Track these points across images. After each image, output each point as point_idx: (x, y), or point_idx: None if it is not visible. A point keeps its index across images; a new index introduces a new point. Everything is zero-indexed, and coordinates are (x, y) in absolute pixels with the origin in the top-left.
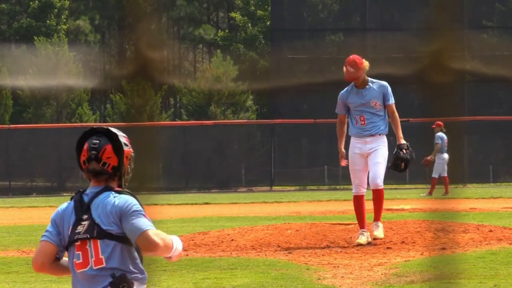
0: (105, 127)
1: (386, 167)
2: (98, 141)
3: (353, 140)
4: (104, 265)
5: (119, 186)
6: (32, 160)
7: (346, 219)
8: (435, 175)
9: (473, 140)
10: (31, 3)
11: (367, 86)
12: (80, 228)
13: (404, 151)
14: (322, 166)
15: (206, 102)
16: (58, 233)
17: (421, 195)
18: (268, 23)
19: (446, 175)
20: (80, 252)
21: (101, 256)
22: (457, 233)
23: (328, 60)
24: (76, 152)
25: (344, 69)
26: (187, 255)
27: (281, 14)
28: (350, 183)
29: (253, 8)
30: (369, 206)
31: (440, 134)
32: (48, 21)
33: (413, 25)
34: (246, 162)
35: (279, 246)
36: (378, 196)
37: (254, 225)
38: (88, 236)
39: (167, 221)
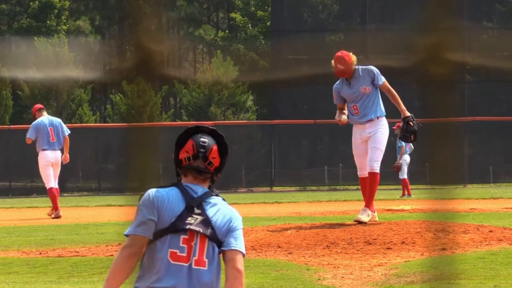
0: (211, 127)
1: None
2: (206, 140)
3: (353, 128)
4: (205, 268)
5: (209, 186)
6: (32, 161)
7: (347, 219)
8: (402, 176)
9: (473, 140)
10: (31, 3)
11: (354, 76)
12: (191, 220)
13: (410, 123)
14: (322, 166)
15: (206, 103)
16: (154, 221)
17: (397, 197)
18: (268, 23)
19: (406, 177)
20: (185, 246)
21: (205, 259)
22: (457, 233)
23: (328, 61)
24: (175, 147)
25: (333, 64)
26: None
27: (281, 14)
28: (350, 184)
29: (253, 8)
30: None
31: None
32: (48, 21)
33: (413, 25)
34: (246, 163)
35: (279, 247)
36: (371, 179)
37: (254, 226)
38: (201, 231)
39: None
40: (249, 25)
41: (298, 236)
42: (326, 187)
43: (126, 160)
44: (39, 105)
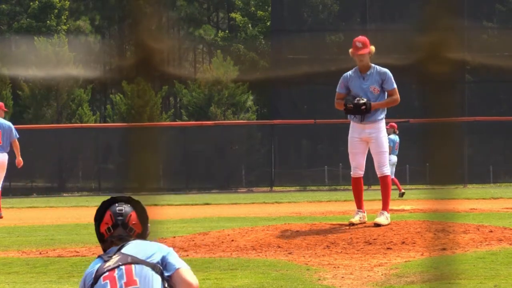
0: (126, 195)
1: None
2: (122, 208)
3: (352, 124)
4: (137, 285)
5: None
6: (32, 161)
7: (347, 219)
8: (393, 176)
9: (473, 141)
10: (31, 3)
11: (369, 72)
12: (108, 264)
13: (355, 102)
14: (322, 166)
15: (206, 103)
16: None
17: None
18: (268, 23)
19: (393, 176)
20: (108, 280)
21: (135, 278)
22: (457, 233)
23: (329, 61)
24: (95, 223)
25: (352, 46)
26: (187, 255)
27: (281, 14)
28: (350, 184)
29: (253, 8)
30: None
31: (391, 136)
32: (48, 21)
33: (413, 25)
34: (246, 163)
35: (279, 247)
36: (384, 183)
37: (254, 226)
38: (120, 263)
39: (167, 222)
40: (249, 25)
41: (298, 236)
42: (326, 187)
43: (126, 160)
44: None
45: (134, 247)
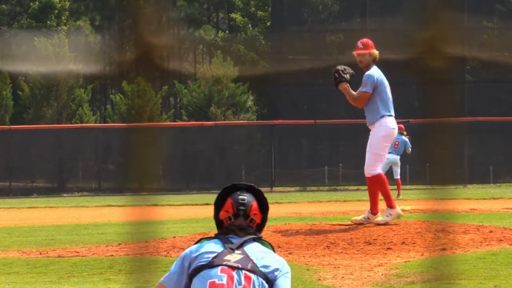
0: (248, 183)
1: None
2: (245, 197)
3: None
4: None
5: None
6: (33, 161)
7: (347, 219)
8: (397, 176)
9: (473, 141)
10: (31, 3)
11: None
12: (229, 257)
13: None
14: (322, 167)
15: (206, 103)
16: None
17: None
18: (268, 23)
19: (397, 177)
20: (225, 275)
21: None
22: (457, 233)
23: (329, 61)
24: (214, 207)
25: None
26: None
27: (281, 14)
28: (350, 184)
29: (253, 9)
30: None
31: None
32: (48, 21)
33: (412, 20)
34: (246, 163)
35: (279, 247)
36: (368, 183)
37: None
38: (240, 266)
39: (167, 222)
40: (249, 25)
41: (298, 236)
42: (326, 187)
43: (126, 160)
44: None
45: (257, 252)
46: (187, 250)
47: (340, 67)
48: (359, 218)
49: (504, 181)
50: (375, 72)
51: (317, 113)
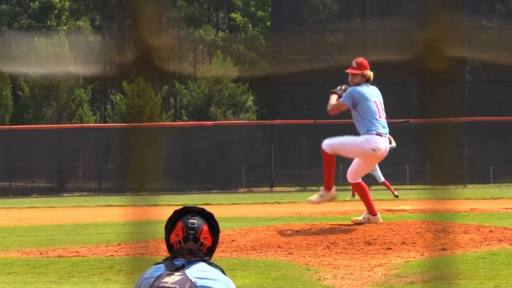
0: (199, 207)
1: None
2: (195, 221)
3: None
4: None
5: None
6: (33, 161)
7: (347, 219)
8: (381, 179)
9: (473, 140)
10: (31, 3)
11: None
12: (167, 279)
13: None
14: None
15: (206, 103)
16: None
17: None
18: (268, 23)
19: (383, 180)
20: None
21: None
22: (457, 233)
23: (329, 61)
24: (165, 230)
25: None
26: None
27: (281, 14)
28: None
29: (253, 9)
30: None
31: None
32: (48, 21)
33: (412, 20)
34: (246, 163)
35: (279, 247)
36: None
37: (254, 226)
38: (177, 287)
39: None
40: (249, 25)
41: (298, 236)
42: None
43: (126, 160)
44: None
45: (198, 272)
46: (138, 277)
47: (344, 87)
48: (359, 218)
49: (504, 181)
50: (360, 89)
51: (317, 113)
